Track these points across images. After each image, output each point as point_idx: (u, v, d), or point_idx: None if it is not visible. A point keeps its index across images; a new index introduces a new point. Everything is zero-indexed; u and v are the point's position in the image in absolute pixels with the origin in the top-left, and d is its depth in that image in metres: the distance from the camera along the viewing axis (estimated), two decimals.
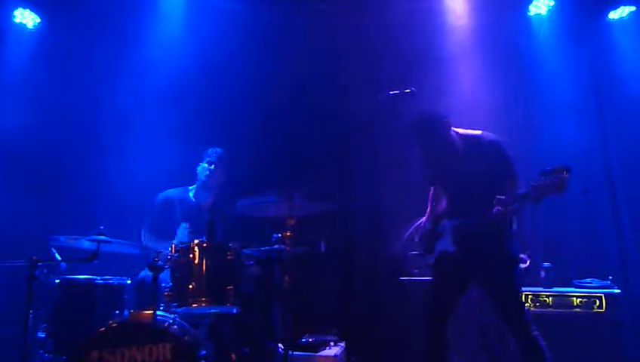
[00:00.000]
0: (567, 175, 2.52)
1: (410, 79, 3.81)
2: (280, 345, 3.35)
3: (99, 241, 3.18)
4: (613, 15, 4.77)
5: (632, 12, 4.69)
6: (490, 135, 3.10)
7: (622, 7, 4.71)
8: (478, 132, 3.12)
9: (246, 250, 3.39)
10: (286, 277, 3.29)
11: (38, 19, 4.91)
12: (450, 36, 4.70)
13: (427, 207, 3.38)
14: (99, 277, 3.42)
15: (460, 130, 3.13)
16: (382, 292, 4.22)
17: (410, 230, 4.07)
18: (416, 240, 3.34)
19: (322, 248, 3.63)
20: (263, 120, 4.80)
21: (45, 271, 3.24)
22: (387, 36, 4.63)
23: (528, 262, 3.99)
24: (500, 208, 2.79)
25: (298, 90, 4.80)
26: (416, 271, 3.95)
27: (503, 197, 2.79)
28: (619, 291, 3.78)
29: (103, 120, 4.70)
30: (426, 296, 3.68)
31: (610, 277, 3.92)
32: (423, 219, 3.38)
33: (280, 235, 3.33)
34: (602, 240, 4.49)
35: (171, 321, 3.00)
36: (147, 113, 4.71)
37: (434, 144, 3.05)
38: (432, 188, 3.38)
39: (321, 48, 4.85)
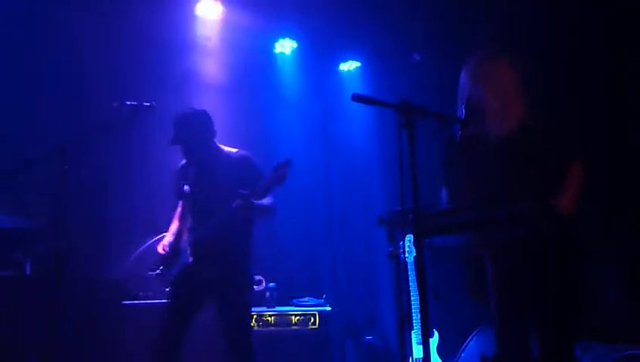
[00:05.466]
0: (287, 168, 2.85)
1: (153, 93, 3.67)
2: None
3: None
4: (344, 67, 5.50)
5: (358, 67, 5.48)
6: (243, 151, 3.17)
7: (350, 62, 5.46)
8: (234, 149, 3.18)
9: None
10: None
11: None
12: (200, 56, 4.72)
13: (172, 223, 3.26)
14: None
15: (219, 145, 3.17)
16: (101, 318, 3.85)
17: (141, 249, 3.87)
18: (161, 256, 3.15)
19: (28, 270, 3.13)
20: None
21: None
22: (131, 44, 4.39)
23: (263, 285, 4.18)
24: (239, 202, 2.83)
25: (23, 89, 4.15)
26: (142, 293, 3.74)
27: (245, 192, 2.85)
28: (329, 308, 4.22)
29: None
30: (150, 319, 3.53)
31: (324, 296, 4.37)
32: (167, 234, 3.23)
33: None
34: (319, 260, 5.01)
35: None
36: None
37: (195, 145, 3.05)
38: (180, 204, 3.27)
39: (62, 47, 4.30)
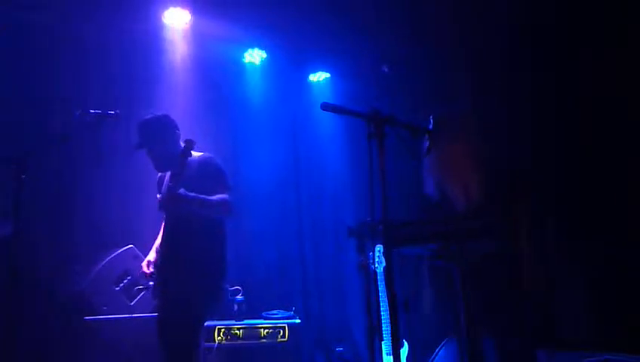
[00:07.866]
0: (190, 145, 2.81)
1: (119, 101, 3.59)
2: None
3: None
4: (313, 78, 5.50)
5: (327, 78, 5.50)
6: (207, 154, 3.07)
7: (319, 73, 5.48)
8: (199, 153, 3.07)
9: None
10: None
11: None
12: (168, 64, 4.65)
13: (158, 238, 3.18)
14: None
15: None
16: (62, 335, 3.69)
17: (104, 262, 3.75)
18: (147, 274, 3.06)
19: None
20: None
21: None
22: (97, 52, 4.29)
23: (241, 294, 4.11)
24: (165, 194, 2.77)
25: None
26: (105, 308, 3.61)
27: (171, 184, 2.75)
28: (299, 321, 4.16)
29: None
30: (115, 334, 3.41)
31: (294, 308, 4.32)
32: (152, 250, 3.16)
33: None
34: (289, 272, 4.97)
35: None
36: None
37: (158, 149, 2.97)
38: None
39: (22, 55, 4.17)
